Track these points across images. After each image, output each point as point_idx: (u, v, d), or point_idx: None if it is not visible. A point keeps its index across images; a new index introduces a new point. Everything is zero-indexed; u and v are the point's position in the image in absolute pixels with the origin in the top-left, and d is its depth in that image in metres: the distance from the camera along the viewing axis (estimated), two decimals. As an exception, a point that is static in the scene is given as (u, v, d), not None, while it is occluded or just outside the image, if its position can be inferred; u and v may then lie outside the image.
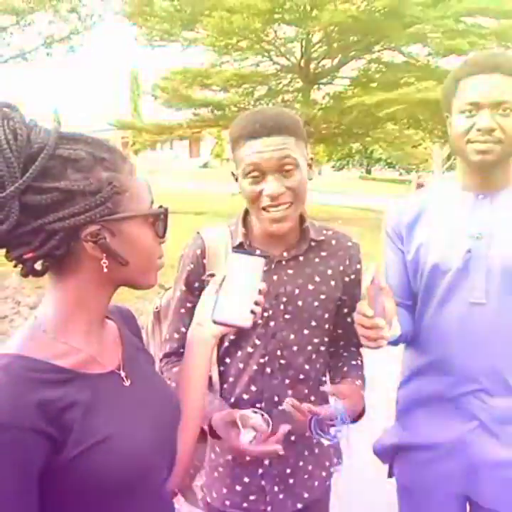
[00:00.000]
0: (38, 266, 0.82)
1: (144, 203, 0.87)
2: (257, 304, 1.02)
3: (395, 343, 1.44)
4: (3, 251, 0.81)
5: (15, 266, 0.82)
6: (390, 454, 1.61)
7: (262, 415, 1.19)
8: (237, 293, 1.03)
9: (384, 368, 2.54)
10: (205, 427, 1.26)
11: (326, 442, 1.23)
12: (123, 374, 0.90)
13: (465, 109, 1.34)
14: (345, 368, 1.45)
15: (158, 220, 0.90)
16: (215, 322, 1.02)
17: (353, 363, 1.46)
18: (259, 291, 1.03)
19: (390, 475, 1.63)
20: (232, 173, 1.34)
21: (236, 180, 1.32)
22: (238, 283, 1.04)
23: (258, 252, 1.32)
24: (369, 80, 16.29)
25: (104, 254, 0.82)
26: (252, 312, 1.01)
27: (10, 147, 0.74)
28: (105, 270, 0.83)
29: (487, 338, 1.37)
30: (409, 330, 1.48)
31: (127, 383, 0.90)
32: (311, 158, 1.32)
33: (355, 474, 2.73)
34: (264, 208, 1.25)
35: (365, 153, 39.35)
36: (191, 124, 17.68)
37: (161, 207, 0.91)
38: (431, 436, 1.48)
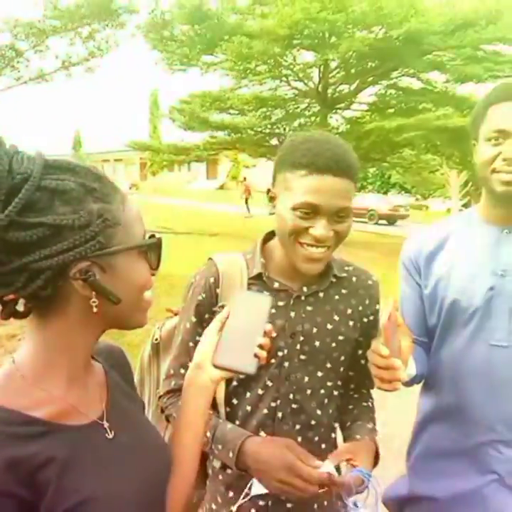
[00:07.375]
0: (19, 307, 0.75)
1: (136, 234, 0.80)
2: (261, 347, 0.93)
3: (408, 384, 1.35)
4: None
5: None
6: (400, 506, 1.51)
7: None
8: (240, 335, 0.94)
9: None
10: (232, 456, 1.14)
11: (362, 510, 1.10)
12: (106, 425, 0.82)
13: (491, 137, 1.27)
14: (355, 411, 1.35)
15: (152, 251, 0.83)
16: (215, 366, 0.93)
17: (364, 404, 1.37)
18: (265, 333, 0.94)
19: None
20: (269, 190, 1.23)
21: (271, 199, 1.21)
22: (242, 324, 0.95)
23: (276, 284, 1.23)
24: (386, 105, 16.33)
25: (94, 293, 0.74)
26: (256, 356, 0.92)
27: None
28: (95, 310, 0.75)
29: (506, 383, 1.28)
30: (424, 369, 1.38)
31: (110, 435, 0.81)
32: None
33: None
34: (300, 243, 1.15)
35: (381, 178, 39.33)
36: (208, 146, 17.82)
37: (153, 236, 0.84)
38: (446, 488, 1.38)
